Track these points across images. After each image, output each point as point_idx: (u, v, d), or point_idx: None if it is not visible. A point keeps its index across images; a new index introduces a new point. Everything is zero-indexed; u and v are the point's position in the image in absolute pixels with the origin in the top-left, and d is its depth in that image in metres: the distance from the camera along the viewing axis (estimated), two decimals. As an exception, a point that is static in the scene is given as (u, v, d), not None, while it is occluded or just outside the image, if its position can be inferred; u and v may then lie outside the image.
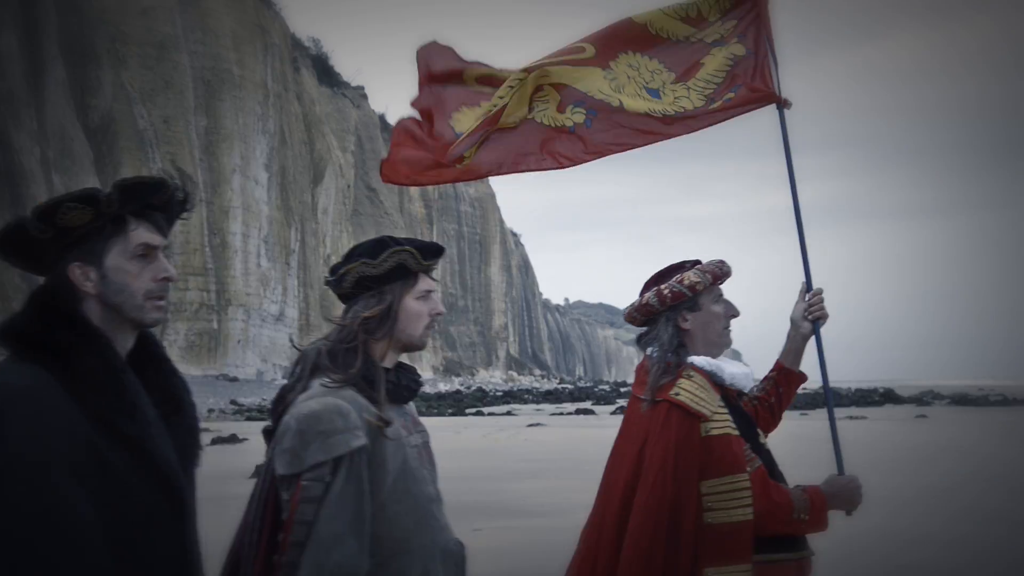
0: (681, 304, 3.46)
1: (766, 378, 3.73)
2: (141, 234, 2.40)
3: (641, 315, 3.51)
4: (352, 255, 2.94)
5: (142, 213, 2.41)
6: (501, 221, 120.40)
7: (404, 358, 3.02)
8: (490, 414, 44.46)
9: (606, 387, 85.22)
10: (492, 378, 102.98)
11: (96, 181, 42.00)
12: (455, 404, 52.36)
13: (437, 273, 3.08)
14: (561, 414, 43.31)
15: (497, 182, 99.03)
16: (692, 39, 4.04)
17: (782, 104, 3.87)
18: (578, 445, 21.30)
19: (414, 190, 61.39)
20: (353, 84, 58.88)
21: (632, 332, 3.75)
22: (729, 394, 3.49)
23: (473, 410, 47.41)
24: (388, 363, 2.90)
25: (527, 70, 3.86)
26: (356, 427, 2.71)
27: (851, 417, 34.42)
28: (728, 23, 4.05)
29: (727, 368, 3.48)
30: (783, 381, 3.71)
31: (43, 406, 2.20)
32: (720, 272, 3.51)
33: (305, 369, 2.86)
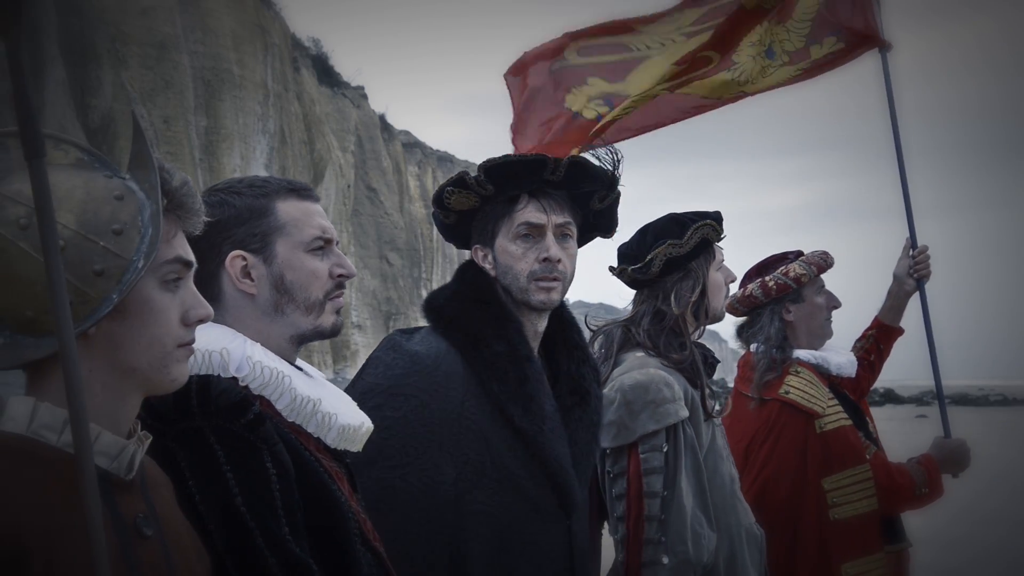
0: (785, 296, 3.42)
1: (864, 336, 3.69)
2: (527, 212, 2.30)
3: (743, 307, 3.47)
4: (651, 238, 2.85)
5: (538, 192, 2.31)
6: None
7: None
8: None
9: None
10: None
11: (96, 181, 41.95)
12: (455, 404, 52.20)
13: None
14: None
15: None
16: None
17: (884, 47, 3.75)
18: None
19: (415, 191, 61.40)
20: (353, 84, 58.80)
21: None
22: (835, 382, 3.46)
23: (473, 410, 47.16)
24: (694, 339, 2.85)
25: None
26: (680, 397, 2.67)
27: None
28: None
29: (832, 359, 3.45)
30: (883, 338, 3.68)
31: (444, 385, 2.17)
32: (824, 264, 3.47)
33: (612, 346, 2.82)
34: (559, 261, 2.31)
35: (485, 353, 2.22)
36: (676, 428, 2.65)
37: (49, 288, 1.15)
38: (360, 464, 2.01)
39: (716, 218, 2.86)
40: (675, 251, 2.80)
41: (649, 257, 2.82)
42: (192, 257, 1.45)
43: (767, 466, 3.27)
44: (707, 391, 2.79)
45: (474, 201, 2.29)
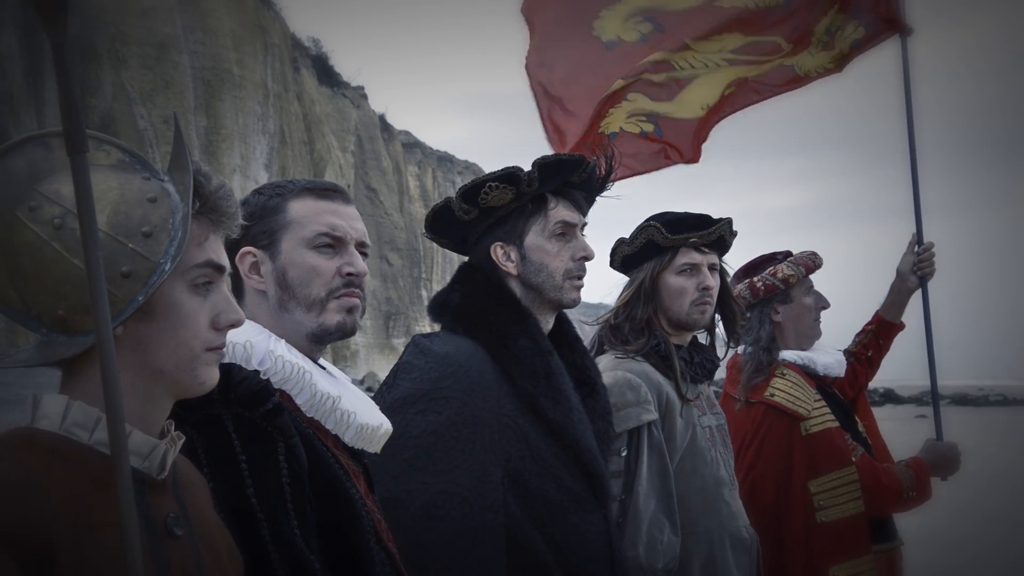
0: (773, 297, 3.41)
1: (863, 331, 3.68)
2: (560, 212, 2.36)
3: None
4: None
5: (562, 191, 2.37)
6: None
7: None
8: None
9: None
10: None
11: (96, 181, 41.90)
12: (455, 404, 52.08)
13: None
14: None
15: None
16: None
17: (905, 32, 3.73)
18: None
19: (414, 191, 61.40)
20: (353, 84, 58.74)
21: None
22: (824, 383, 3.44)
23: (473, 410, 46.97)
24: (676, 340, 2.84)
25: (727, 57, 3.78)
26: (646, 400, 2.66)
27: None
28: None
29: (819, 359, 3.43)
30: (883, 334, 3.66)
31: (480, 384, 2.19)
32: (813, 264, 3.46)
33: (592, 349, 2.83)
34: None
35: (512, 349, 2.25)
36: (639, 431, 2.64)
37: (89, 285, 1.16)
38: (411, 471, 2.06)
39: (668, 221, 2.83)
40: (625, 249, 2.84)
41: (611, 251, 2.87)
42: (225, 261, 1.44)
43: (754, 469, 3.26)
44: (679, 375, 2.78)
45: (508, 198, 2.31)
